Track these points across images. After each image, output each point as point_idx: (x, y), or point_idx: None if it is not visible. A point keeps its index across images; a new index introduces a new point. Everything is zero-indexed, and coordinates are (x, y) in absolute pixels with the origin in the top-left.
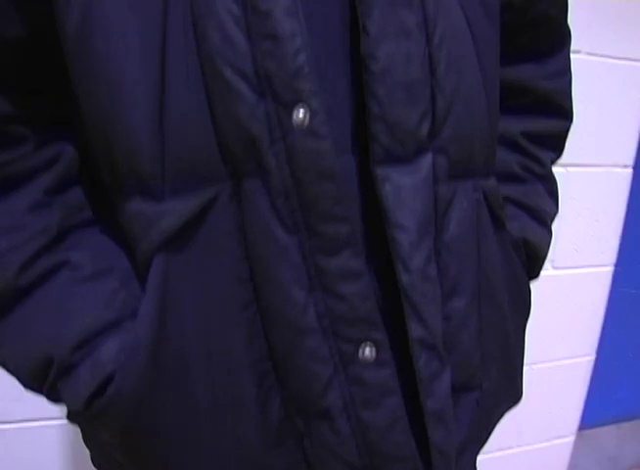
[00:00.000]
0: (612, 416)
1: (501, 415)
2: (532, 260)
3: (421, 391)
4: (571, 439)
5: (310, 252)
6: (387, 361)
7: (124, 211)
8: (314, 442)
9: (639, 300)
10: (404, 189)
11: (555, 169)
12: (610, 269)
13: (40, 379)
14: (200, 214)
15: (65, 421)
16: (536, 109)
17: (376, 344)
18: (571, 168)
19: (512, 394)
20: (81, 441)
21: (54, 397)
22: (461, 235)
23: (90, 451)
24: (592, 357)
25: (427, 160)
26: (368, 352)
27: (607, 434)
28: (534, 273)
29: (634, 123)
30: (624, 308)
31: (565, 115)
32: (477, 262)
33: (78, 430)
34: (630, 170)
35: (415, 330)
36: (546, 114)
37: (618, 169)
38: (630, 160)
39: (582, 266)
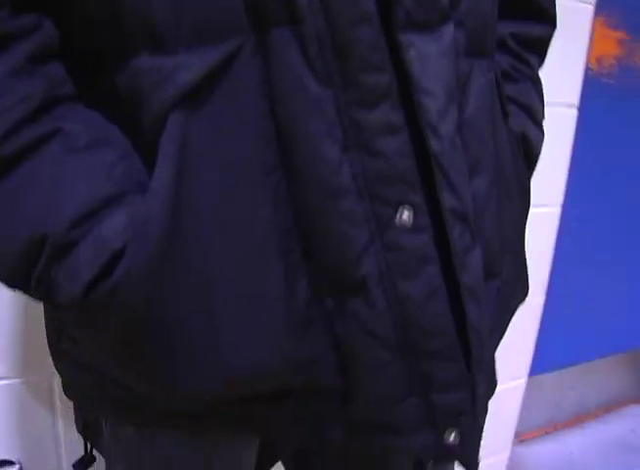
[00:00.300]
0: (554, 363)
1: (515, 308)
2: (529, 158)
3: (456, 264)
4: (523, 381)
5: (345, 105)
6: (424, 227)
7: (130, 70)
8: (346, 320)
9: (586, 240)
10: (429, 56)
11: None
12: (557, 210)
13: (30, 264)
14: (220, 68)
15: (9, 381)
16: (524, 12)
17: (414, 207)
18: None
19: (522, 286)
20: (30, 403)
21: (43, 288)
22: (479, 112)
23: (63, 378)
24: (542, 299)
25: (449, 29)
26: (406, 215)
27: (549, 381)
28: (529, 173)
29: (579, 63)
30: (572, 249)
31: (550, 20)
32: (493, 146)
33: (28, 389)
34: (575, 111)
35: (448, 199)
36: (534, 18)
37: (564, 109)
38: (576, 99)
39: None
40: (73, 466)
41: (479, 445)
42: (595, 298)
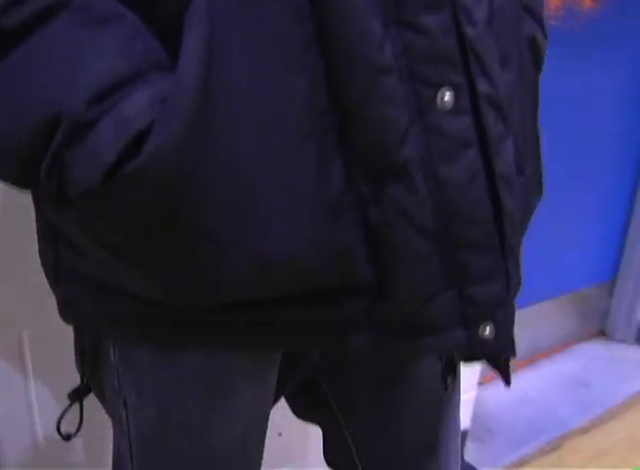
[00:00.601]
0: (531, 297)
1: (535, 207)
2: (536, 62)
3: (491, 151)
4: None
5: None
6: (465, 109)
7: None
8: (383, 207)
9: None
10: None
11: None
12: None
13: (41, 147)
14: None
15: None
16: None
17: (455, 88)
18: None
19: (538, 185)
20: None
21: (55, 178)
22: (506, 4)
23: (61, 297)
24: None
25: None
26: (447, 97)
27: (526, 314)
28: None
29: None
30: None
31: None
32: (517, 41)
33: None
34: None
35: (482, 85)
36: None
37: None
38: None
39: None
40: (68, 396)
41: (512, 338)
42: (545, 241)
